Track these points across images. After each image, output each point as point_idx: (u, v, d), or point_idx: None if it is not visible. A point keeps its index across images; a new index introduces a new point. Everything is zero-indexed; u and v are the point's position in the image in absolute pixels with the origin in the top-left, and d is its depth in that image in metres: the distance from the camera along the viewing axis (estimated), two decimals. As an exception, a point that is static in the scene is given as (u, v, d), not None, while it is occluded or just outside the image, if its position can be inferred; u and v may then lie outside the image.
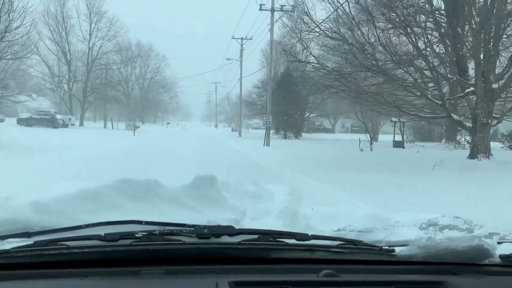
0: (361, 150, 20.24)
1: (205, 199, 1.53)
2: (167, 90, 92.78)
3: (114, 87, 56.59)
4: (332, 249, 1.44)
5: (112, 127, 46.49)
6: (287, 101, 36.45)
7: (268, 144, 24.60)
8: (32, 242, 1.29)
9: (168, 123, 66.16)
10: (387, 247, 1.51)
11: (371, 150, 21.03)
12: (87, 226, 1.36)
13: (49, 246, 1.26)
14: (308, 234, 1.45)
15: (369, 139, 22.92)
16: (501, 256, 1.40)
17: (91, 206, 1.46)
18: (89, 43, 54.38)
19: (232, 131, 59.11)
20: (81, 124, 50.28)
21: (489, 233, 1.49)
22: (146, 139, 28.69)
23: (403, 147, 25.76)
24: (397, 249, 1.48)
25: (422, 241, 1.41)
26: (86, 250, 1.26)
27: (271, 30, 28.15)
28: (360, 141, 21.55)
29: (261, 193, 1.79)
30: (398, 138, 27.70)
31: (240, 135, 41.66)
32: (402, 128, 28.19)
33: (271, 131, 51.42)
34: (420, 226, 1.47)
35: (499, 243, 1.49)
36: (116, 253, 1.29)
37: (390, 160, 15.74)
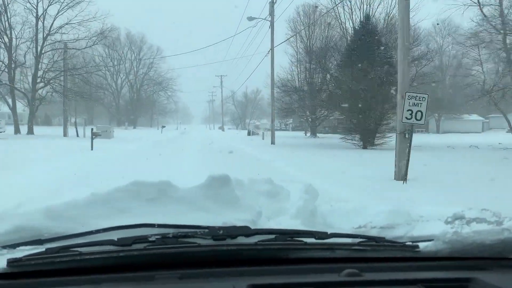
0: None
1: (219, 199, 1.49)
2: (163, 88, 77.89)
3: (75, 77, 34.14)
4: (353, 247, 1.39)
5: (77, 135, 29.90)
6: (368, 83, 18.99)
7: (406, 174, 8.92)
8: (44, 250, 1.25)
9: (163, 127, 52.50)
10: (411, 243, 1.45)
11: None
12: (98, 231, 1.33)
13: (61, 253, 1.23)
14: (327, 232, 1.40)
15: None
16: None
17: (102, 211, 1.42)
18: (36, 9, 33.23)
19: (249, 134, 43.04)
20: (30, 132, 32.58)
21: None
22: (110, 156, 15.38)
23: None
24: (422, 245, 1.42)
25: (447, 235, 1.35)
26: (98, 256, 1.23)
27: None
28: None
29: (276, 191, 1.74)
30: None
31: (273, 142, 24.20)
32: None
33: (309, 135, 39.80)
34: (446, 220, 1.41)
35: None
36: (130, 258, 1.25)
37: None
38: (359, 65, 19.46)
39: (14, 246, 1.31)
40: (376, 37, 21.41)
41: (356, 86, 19.51)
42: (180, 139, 32.15)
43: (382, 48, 20.97)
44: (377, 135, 20.82)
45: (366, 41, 20.61)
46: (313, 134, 36.05)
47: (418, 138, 28.10)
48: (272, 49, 26.75)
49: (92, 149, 18.43)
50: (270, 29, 27.36)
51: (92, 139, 20.05)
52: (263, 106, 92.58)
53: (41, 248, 1.28)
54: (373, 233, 1.65)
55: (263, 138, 30.45)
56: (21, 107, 38.15)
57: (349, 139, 20.57)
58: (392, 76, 18.67)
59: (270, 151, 19.13)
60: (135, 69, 78.76)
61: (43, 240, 1.34)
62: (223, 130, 71.67)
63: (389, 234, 1.64)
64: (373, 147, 20.36)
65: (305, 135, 39.88)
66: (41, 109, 43.94)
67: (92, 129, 22.34)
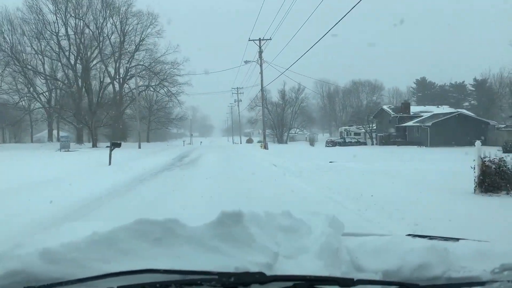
0: None
1: (232, 238, 1.35)
2: (160, 80, 47.27)
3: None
4: None
5: None
6: None
7: None
8: None
9: (115, 145, 19.09)
10: None
11: None
12: (97, 277, 1.21)
13: None
14: (353, 279, 1.23)
15: None
16: None
17: (105, 253, 1.30)
18: None
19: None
20: None
21: None
22: None
23: None
24: None
25: (496, 284, 1.16)
26: None
27: None
28: None
29: (296, 226, 1.59)
30: None
31: None
32: None
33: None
34: (492, 271, 1.22)
35: None
36: None
37: None
38: None
39: None
40: None
41: None
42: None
43: None
44: None
45: None
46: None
47: None
48: None
49: None
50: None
51: None
52: (308, 110, 71.09)
53: None
54: (406, 273, 1.48)
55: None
56: None
57: None
58: None
59: None
60: (112, 44, 46.93)
61: (37, 287, 1.22)
62: (266, 147, 37.62)
63: (422, 275, 1.46)
64: None
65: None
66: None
67: None
